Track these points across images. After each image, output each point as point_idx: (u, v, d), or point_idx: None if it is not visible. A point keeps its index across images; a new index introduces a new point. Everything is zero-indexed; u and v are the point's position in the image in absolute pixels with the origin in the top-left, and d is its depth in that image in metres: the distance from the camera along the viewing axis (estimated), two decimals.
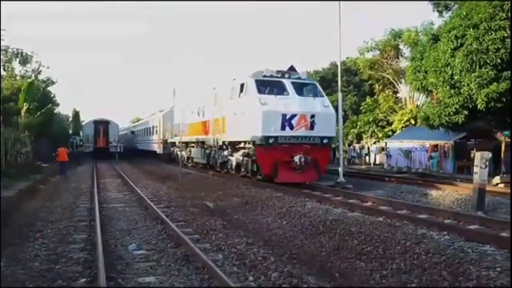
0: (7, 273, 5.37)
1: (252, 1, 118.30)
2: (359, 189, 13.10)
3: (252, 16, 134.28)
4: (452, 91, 15.52)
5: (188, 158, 22.41)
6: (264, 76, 13.61)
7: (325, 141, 13.21)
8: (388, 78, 32.16)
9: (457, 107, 15.44)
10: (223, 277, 4.84)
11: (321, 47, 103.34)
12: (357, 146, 31.69)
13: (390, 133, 29.78)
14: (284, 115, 12.66)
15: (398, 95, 33.06)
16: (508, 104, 14.23)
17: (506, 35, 13.71)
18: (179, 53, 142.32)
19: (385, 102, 31.57)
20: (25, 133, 20.39)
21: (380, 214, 8.81)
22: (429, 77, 16.75)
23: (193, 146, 21.19)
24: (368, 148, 30.56)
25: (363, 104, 33.48)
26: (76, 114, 56.59)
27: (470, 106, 15.09)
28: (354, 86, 38.55)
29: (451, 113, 15.75)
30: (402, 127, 28.53)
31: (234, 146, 15.20)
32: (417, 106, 28.84)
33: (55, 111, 35.16)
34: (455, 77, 15.17)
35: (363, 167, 26.75)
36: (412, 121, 27.83)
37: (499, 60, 13.88)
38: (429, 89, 17.69)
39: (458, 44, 15.05)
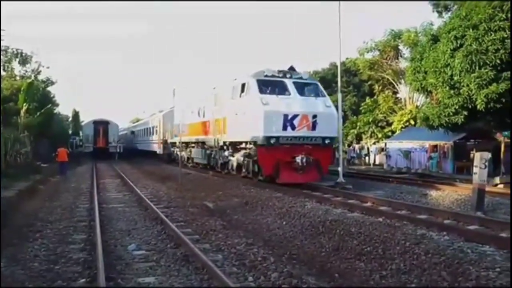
0: (7, 274, 5.37)
1: (252, 1, 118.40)
2: (358, 189, 13.10)
3: (252, 16, 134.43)
4: (452, 91, 15.52)
5: (188, 158, 22.32)
6: (266, 76, 13.51)
7: (327, 141, 13.11)
8: (388, 79, 32.19)
9: (457, 107, 15.45)
10: (223, 278, 4.84)
11: (321, 48, 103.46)
12: (356, 146, 31.72)
13: (389, 133, 29.81)
14: (285, 115, 12.58)
15: (398, 95, 33.09)
16: (508, 104, 14.24)
17: (505, 35, 13.72)
18: (179, 53, 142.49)
19: (384, 102, 31.60)
20: (24, 133, 20.38)
21: (380, 215, 8.81)
22: (429, 78, 16.76)
23: (193, 147, 21.10)
24: (368, 148, 30.59)
25: (362, 104, 33.50)
26: (76, 114, 56.62)
27: (470, 106, 15.10)
28: (353, 86, 38.58)
29: (451, 113, 15.76)
30: (402, 127, 28.55)
31: (235, 146, 15.11)
32: (417, 107, 28.86)
33: (55, 111, 35.17)
34: (455, 78, 15.18)
35: (363, 167, 26.76)
36: (412, 122, 27.86)
37: (498, 61, 13.89)
38: (428, 89, 17.70)
39: (458, 45, 15.05)
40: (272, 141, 12.44)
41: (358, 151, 30.99)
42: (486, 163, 9.77)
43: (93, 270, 5.42)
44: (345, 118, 30.59)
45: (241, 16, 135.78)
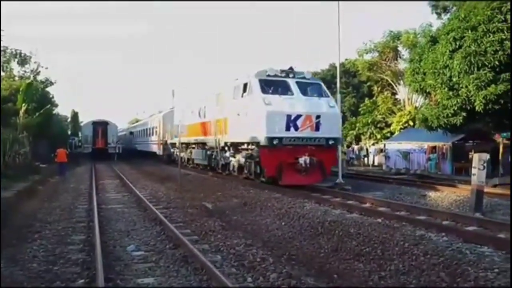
0: (6, 274, 5.36)
1: (252, 1, 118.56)
2: (357, 190, 13.09)
3: (252, 16, 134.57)
4: (451, 93, 15.57)
5: (188, 159, 22.16)
6: (268, 75, 13.30)
7: (330, 142, 12.87)
8: (387, 80, 32.24)
9: (455, 108, 15.49)
10: (222, 278, 4.84)
11: (320, 49, 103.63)
12: (355, 147, 31.75)
13: (388, 134, 29.86)
14: (288, 116, 12.39)
15: (397, 96, 33.15)
16: (506, 106, 14.29)
17: (504, 37, 13.77)
18: (179, 53, 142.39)
19: (383, 103, 31.65)
20: (23, 134, 20.36)
21: (379, 216, 8.82)
22: (428, 79, 16.80)
23: (193, 147, 20.92)
24: (367, 149, 30.63)
25: (361, 105, 33.56)
26: (75, 115, 56.64)
27: (468, 108, 15.14)
28: (353, 87, 38.63)
29: (449, 114, 15.80)
30: (401, 128, 28.61)
31: (236, 147, 14.93)
32: (416, 108, 28.90)
33: (54, 112, 35.16)
34: (454, 79, 15.22)
35: (362, 168, 26.79)
36: (411, 123, 27.91)
37: (497, 62, 13.94)
38: (427, 90, 17.75)
39: (457, 46, 15.10)
40: (275, 142, 12.23)
41: (357, 152, 31.02)
42: (485, 164, 9.80)
43: (92, 271, 5.41)
44: (344, 119, 30.58)
45: (241, 16, 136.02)
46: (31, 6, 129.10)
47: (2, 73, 28.80)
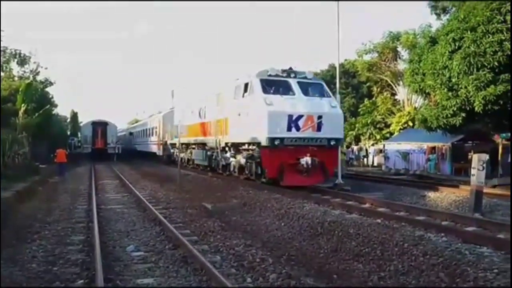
0: (5, 274, 5.36)
1: (252, 1, 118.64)
2: (357, 190, 13.09)
3: (251, 17, 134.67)
4: (450, 93, 15.57)
5: (188, 160, 22.03)
6: (269, 75, 13.19)
7: (332, 142, 12.77)
8: (386, 80, 32.27)
9: (455, 109, 15.49)
10: (221, 279, 4.84)
11: (320, 49, 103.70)
12: (355, 148, 31.77)
13: (388, 135, 29.89)
14: (290, 116, 12.27)
15: (396, 97, 33.19)
16: (505, 106, 14.30)
17: (503, 38, 13.78)
18: (179, 53, 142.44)
19: (383, 104, 31.68)
20: (23, 134, 20.35)
21: (378, 216, 8.83)
22: (427, 80, 16.81)
23: (194, 148, 20.77)
24: (366, 150, 30.65)
25: (361, 106, 33.58)
26: (74, 115, 56.56)
27: (468, 108, 15.15)
28: (352, 88, 38.66)
29: (449, 115, 15.80)
30: (400, 129, 28.64)
31: (237, 147, 14.80)
32: (415, 108, 28.94)
33: (53, 112, 35.12)
34: (453, 80, 15.23)
35: (361, 169, 26.80)
36: (410, 123, 27.94)
37: (496, 63, 13.94)
38: (427, 91, 17.75)
39: (456, 47, 15.11)
40: (276, 142, 12.10)
41: (356, 153, 31.04)
42: (484, 165, 9.82)
43: (91, 271, 5.41)
44: (343, 119, 30.59)
45: (240, 17, 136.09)
46: (31, 6, 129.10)
47: (2, 74, 28.78)
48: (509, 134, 17.01)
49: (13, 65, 30.59)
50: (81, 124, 47.36)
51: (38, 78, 31.92)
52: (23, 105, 21.39)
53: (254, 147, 13.30)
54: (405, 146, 23.88)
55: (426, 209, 9.76)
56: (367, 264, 5.72)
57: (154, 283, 5.11)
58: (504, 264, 5.43)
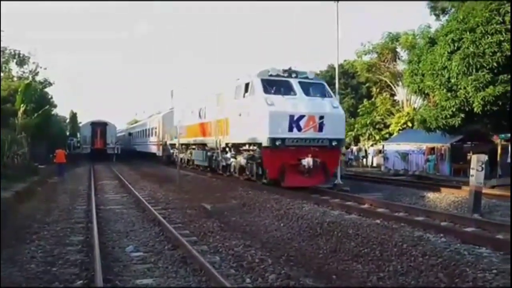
0: (4, 275, 5.35)
1: (252, 1, 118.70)
2: (356, 191, 13.09)
3: (251, 17, 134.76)
4: (449, 94, 15.59)
5: (188, 160, 21.90)
6: (270, 75, 13.10)
7: (334, 143, 12.67)
8: (386, 81, 32.30)
9: (454, 110, 15.51)
10: (220, 279, 4.85)
11: (319, 50, 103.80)
12: (354, 148, 31.78)
13: (387, 135, 29.91)
14: (291, 116, 12.18)
15: (395, 98, 33.22)
16: (504, 107, 14.32)
17: (502, 39, 13.80)
18: (179, 53, 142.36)
19: (382, 104, 31.70)
20: (22, 135, 20.32)
21: (377, 216, 8.84)
22: (426, 80, 16.83)
23: (194, 148, 20.63)
24: (366, 150, 30.67)
25: (360, 106, 33.60)
26: (74, 116, 56.47)
27: (467, 109, 15.17)
28: (351, 88, 38.67)
29: (448, 116, 15.82)
30: (399, 129, 28.66)
31: (237, 148, 14.68)
32: (414, 109, 28.97)
33: (53, 113, 35.08)
34: (452, 80, 15.26)
35: (360, 169, 26.81)
36: (409, 124, 27.96)
37: (495, 64, 13.96)
38: (426, 92, 17.77)
39: (455, 48, 15.13)
40: (278, 142, 11.99)
41: (355, 153, 31.05)
42: (483, 166, 9.84)
43: (90, 272, 5.41)
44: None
45: (240, 17, 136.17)
46: (31, 6, 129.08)
47: (2, 74, 28.76)
48: (508, 135, 17.05)
49: (12, 65, 30.60)
50: (81, 125, 47.31)
51: (37, 78, 31.92)
52: (22, 105, 21.37)
53: (255, 147, 13.21)
54: (404, 146, 23.90)
55: (425, 210, 9.77)
56: (366, 264, 5.73)
57: (153, 284, 5.11)
58: (503, 265, 5.44)
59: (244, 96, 13.75)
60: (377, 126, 31.17)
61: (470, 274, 5.11)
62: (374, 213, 9.34)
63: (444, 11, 22.72)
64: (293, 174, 12.30)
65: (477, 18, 14.56)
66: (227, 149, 15.65)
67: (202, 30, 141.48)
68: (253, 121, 12.86)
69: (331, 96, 13.61)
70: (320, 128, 12.49)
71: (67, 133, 49.97)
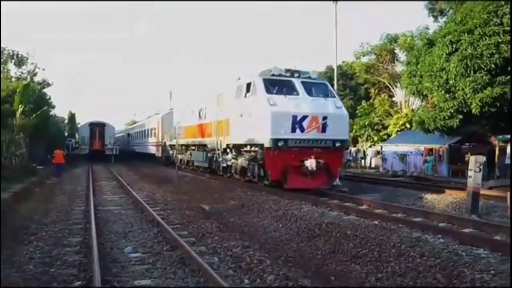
0: (2, 276, 5.34)
1: (252, 1, 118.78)
2: (354, 192, 13.06)
3: (250, 18, 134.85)
4: (447, 95, 15.64)
5: (188, 161, 21.65)
6: (273, 75, 12.89)
7: (337, 144, 12.42)
8: (384, 82, 32.37)
9: (452, 111, 15.55)
10: (219, 280, 4.85)
11: (318, 50, 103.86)
12: (352, 149, 31.78)
13: (385, 136, 29.95)
14: (294, 117, 11.96)
15: (394, 99, 33.27)
16: (502, 108, 14.38)
17: (500, 40, 13.86)
18: (179, 53, 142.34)
19: (380, 106, 31.74)
20: (20, 135, 20.28)
21: (376, 217, 8.85)
22: (424, 82, 16.88)
23: (193, 149, 20.32)
24: (364, 151, 30.70)
25: (359, 108, 33.62)
26: (72, 116, 56.45)
27: (465, 110, 15.21)
28: (350, 90, 38.68)
29: (446, 117, 15.87)
30: (398, 131, 28.70)
31: (238, 149, 14.43)
32: (413, 110, 29.03)
33: (51, 113, 35.02)
34: (450, 82, 15.31)
35: (359, 170, 26.82)
36: (408, 125, 28.00)
37: (493, 65, 14.02)
38: (424, 93, 17.83)
39: (453, 49, 15.18)
40: (280, 143, 11.73)
41: (354, 154, 31.06)
42: (481, 167, 9.85)
43: (88, 273, 5.40)
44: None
45: (240, 17, 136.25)
46: (30, 6, 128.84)
47: (1, 74, 28.67)
48: (506, 136, 17.09)
49: (11, 66, 30.52)
50: (79, 125, 47.25)
51: (36, 79, 31.84)
52: (20, 106, 21.29)
53: (256, 148, 12.96)
54: (402, 147, 23.94)
55: (423, 211, 9.77)
56: (364, 265, 5.74)
57: (151, 285, 5.11)
58: (500, 266, 5.46)
59: (245, 96, 13.57)
60: (375, 127, 31.20)
61: (468, 275, 5.13)
62: (373, 214, 9.36)
63: (442, 12, 22.80)
64: (296, 176, 12.08)
65: (475, 19, 14.62)
66: (227, 150, 15.41)
67: (202, 30, 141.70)
68: (255, 122, 12.66)
69: (334, 96, 13.45)
70: (324, 128, 12.30)
71: (66, 134, 49.90)
